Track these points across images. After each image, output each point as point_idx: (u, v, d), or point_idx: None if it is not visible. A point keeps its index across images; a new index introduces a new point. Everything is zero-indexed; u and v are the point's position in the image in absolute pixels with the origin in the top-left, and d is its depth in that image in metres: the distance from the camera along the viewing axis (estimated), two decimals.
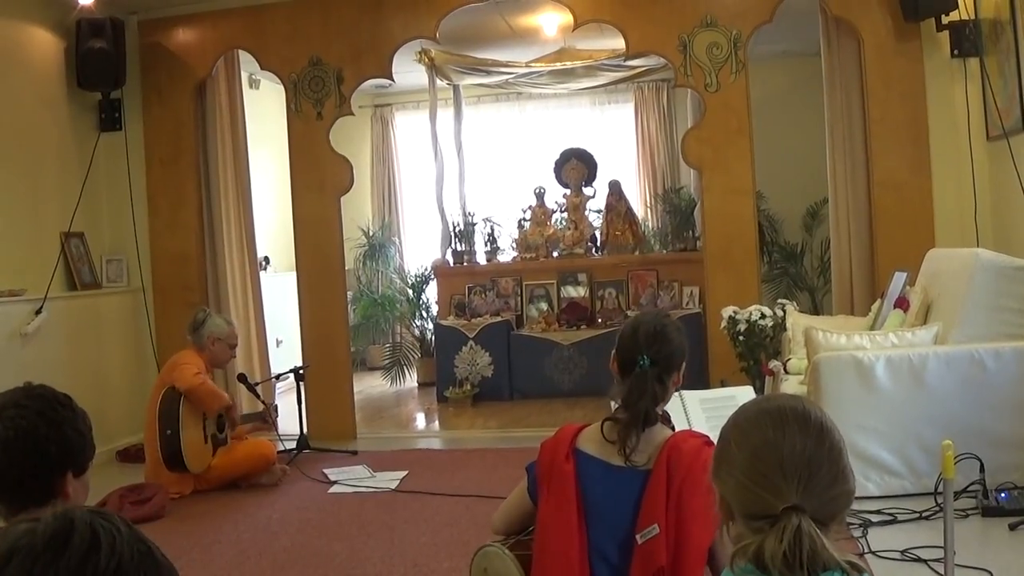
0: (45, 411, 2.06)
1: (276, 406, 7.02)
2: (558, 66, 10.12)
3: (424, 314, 10.71)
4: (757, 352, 6.58)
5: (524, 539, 2.81)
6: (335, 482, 6.20)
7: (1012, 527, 4.31)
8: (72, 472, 2.08)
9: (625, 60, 9.37)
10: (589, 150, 10.12)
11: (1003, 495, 4.58)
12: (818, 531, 1.54)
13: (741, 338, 6.58)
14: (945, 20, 6.69)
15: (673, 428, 2.87)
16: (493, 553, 2.77)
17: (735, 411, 1.76)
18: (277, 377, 7.65)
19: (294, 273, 7.91)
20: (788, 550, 1.51)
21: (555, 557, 2.65)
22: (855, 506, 4.62)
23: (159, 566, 1.16)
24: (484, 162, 11.50)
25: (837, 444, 1.64)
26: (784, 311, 6.66)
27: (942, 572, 3.56)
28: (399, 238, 11.93)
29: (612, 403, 2.81)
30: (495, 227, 10.17)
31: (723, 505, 1.68)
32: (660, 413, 2.76)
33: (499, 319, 9.34)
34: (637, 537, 2.61)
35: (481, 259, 10.12)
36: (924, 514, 4.58)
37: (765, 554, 1.53)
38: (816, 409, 1.69)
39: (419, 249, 11.73)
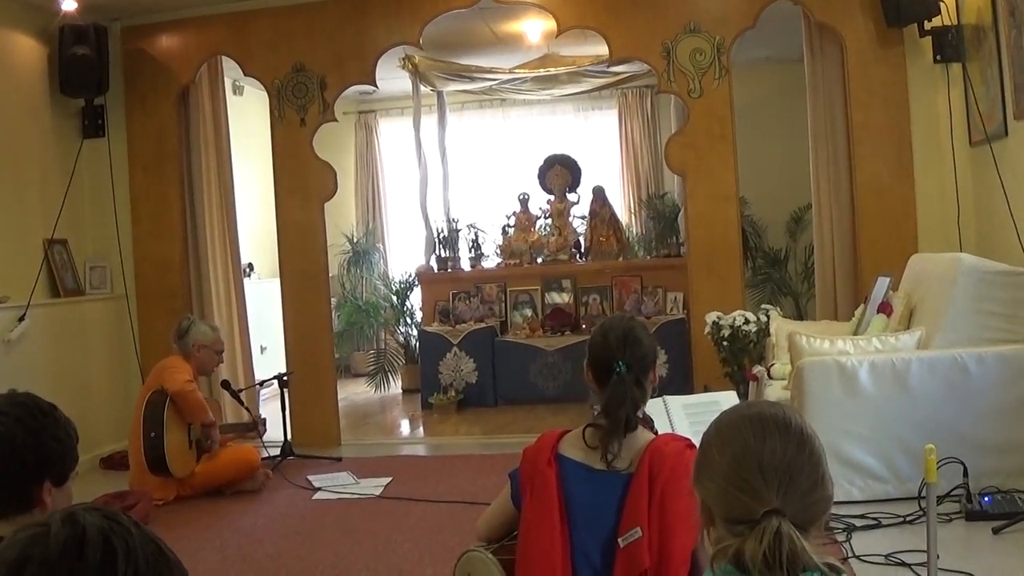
0: (25, 419, 2.03)
1: (264, 419, 6.98)
2: (542, 72, 10.12)
3: (408, 320, 10.67)
4: (741, 357, 6.60)
5: (508, 544, 2.81)
6: (319, 489, 6.18)
7: (995, 531, 4.32)
8: (51, 482, 2.04)
9: (609, 66, 9.39)
10: (573, 156, 10.12)
11: (986, 499, 4.60)
12: (798, 533, 1.55)
13: (725, 343, 6.60)
14: (928, 26, 6.72)
15: (656, 432, 2.85)
16: (477, 558, 2.77)
17: (716, 417, 1.76)
18: (261, 384, 7.62)
19: (278, 279, 7.89)
20: (768, 551, 1.52)
21: (538, 562, 2.64)
22: (839, 510, 4.65)
23: (171, 566, 1.14)
24: (468, 168, 11.49)
25: (817, 451, 1.65)
26: (768, 316, 6.68)
27: None
28: (383, 244, 11.90)
29: (592, 409, 2.80)
30: (479, 233, 10.16)
31: (704, 510, 1.69)
32: (640, 416, 2.76)
33: (483, 325, 9.32)
34: (619, 540, 2.60)
35: (465, 265, 10.11)
36: (908, 518, 4.60)
37: (745, 555, 1.54)
38: (797, 416, 1.70)
39: (403, 255, 11.71)
